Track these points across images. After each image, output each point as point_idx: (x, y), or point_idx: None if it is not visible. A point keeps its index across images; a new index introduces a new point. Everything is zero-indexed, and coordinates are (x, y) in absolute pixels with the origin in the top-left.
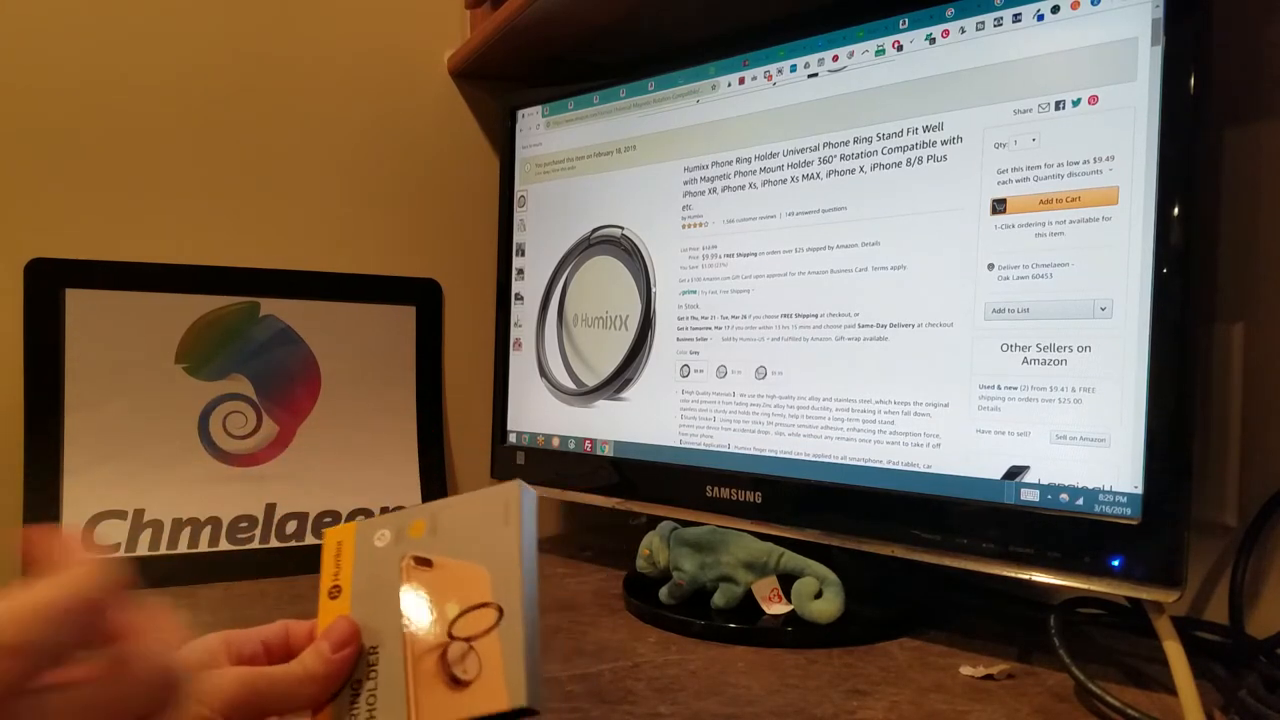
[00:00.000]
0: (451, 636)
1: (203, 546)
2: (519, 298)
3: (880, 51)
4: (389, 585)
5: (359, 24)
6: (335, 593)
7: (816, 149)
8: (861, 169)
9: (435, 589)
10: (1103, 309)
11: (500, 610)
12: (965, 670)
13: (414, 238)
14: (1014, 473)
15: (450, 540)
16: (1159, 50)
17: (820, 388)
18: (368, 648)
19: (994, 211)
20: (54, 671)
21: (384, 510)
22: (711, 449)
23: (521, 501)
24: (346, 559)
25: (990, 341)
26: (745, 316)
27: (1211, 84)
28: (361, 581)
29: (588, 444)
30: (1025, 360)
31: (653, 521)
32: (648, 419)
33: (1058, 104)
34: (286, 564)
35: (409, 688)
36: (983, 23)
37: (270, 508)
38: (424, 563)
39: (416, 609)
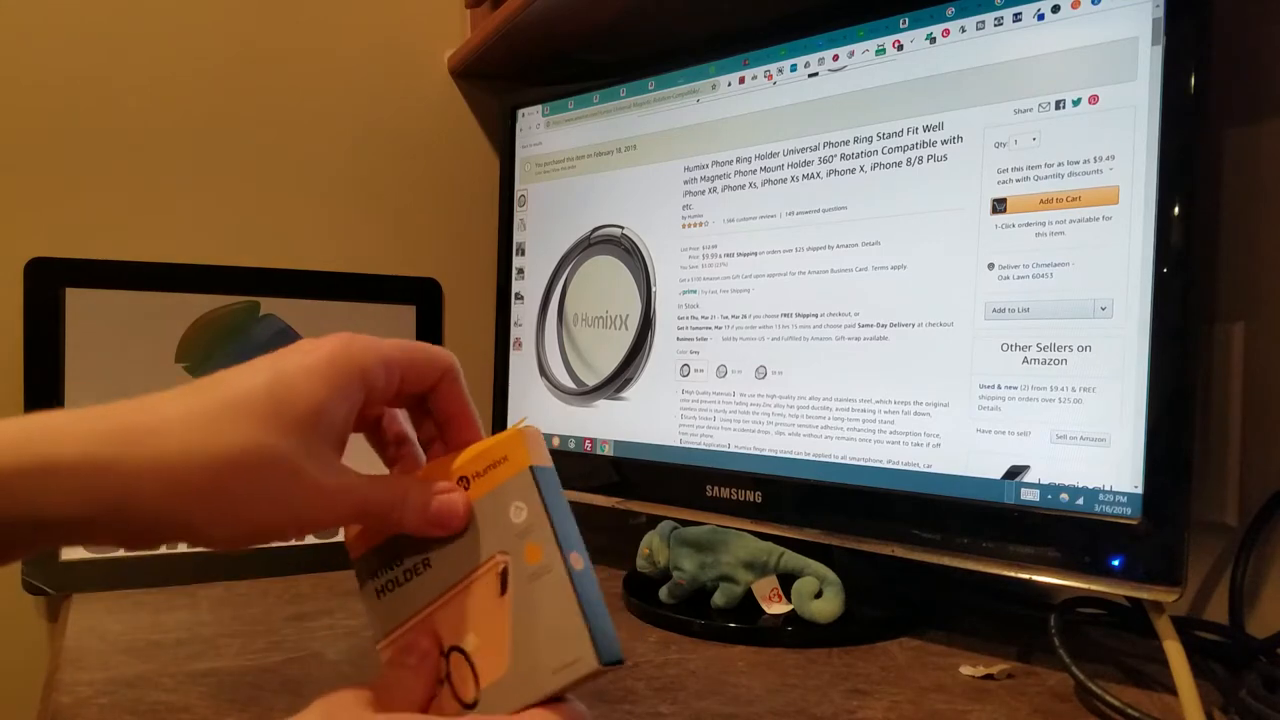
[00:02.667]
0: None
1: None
2: (519, 297)
3: (880, 51)
4: (470, 550)
5: (359, 23)
6: (464, 484)
7: (817, 148)
8: (862, 168)
9: (480, 606)
10: (1103, 309)
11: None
12: (965, 670)
13: (414, 238)
14: (1014, 472)
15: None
16: (1159, 50)
17: (820, 387)
18: (418, 562)
19: (994, 211)
20: None
21: None
22: (711, 449)
23: (536, 480)
24: (494, 477)
25: (990, 341)
26: (745, 316)
27: (1211, 84)
28: (480, 512)
29: (588, 443)
30: (1025, 360)
31: (653, 521)
32: (648, 418)
33: (1058, 103)
34: (287, 563)
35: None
36: (983, 22)
37: None
38: (504, 581)
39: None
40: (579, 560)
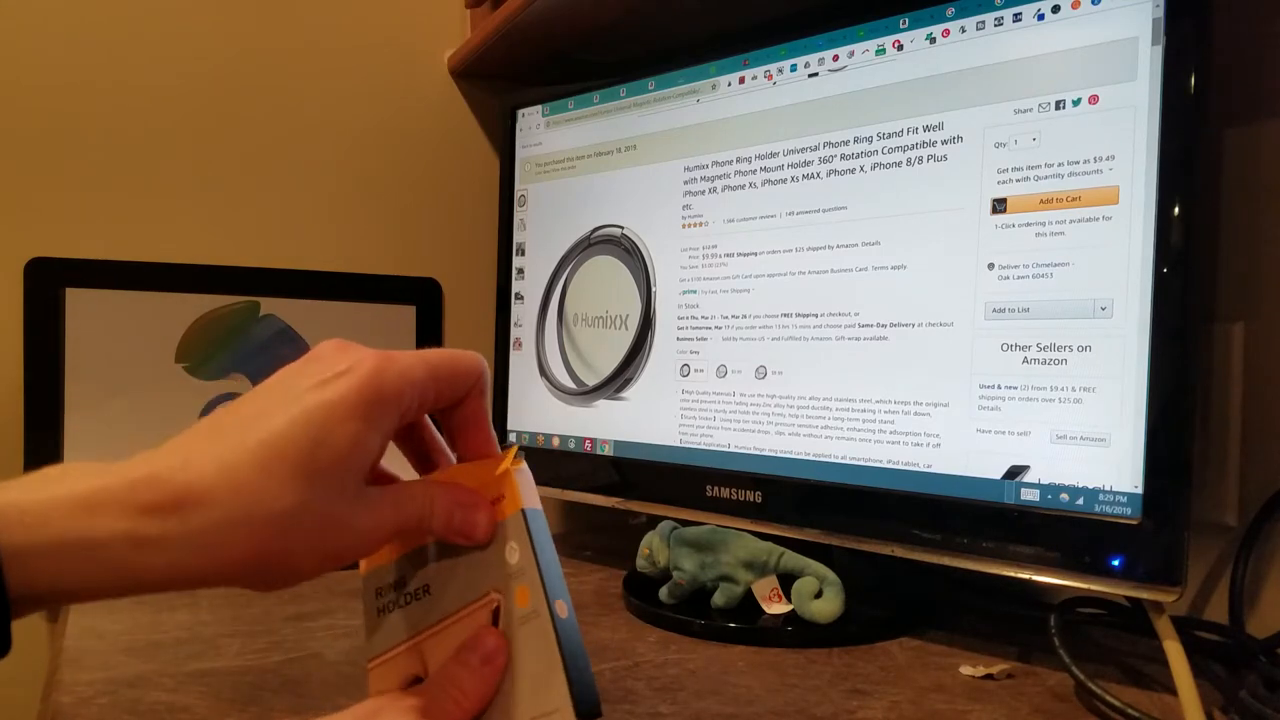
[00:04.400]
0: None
1: None
2: (519, 297)
3: (880, 51)
4: (468, 583)
5: (359, 23)
6: (499, 499)
7: (817, 148)
8: (862, 168)
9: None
10: (1103, 309)
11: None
12: (965, 670)
13: (414, 237)
14: (1014, 472)
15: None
16: (1159, 50)
17: (820, 387)
18: (420, 588)
19: (994, 211)
20: None
21: None
22: (711, 448)
23: (528, 527)
24: (494, 513)
25: (990, 341)
26: (745, 316)
27: (1211, 84)
28: (476, 550)
29: (588, 443)
30: (1025, 360)
31: (653, 521)
32: (648, 418)
33: (1058, 104)
34: None
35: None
36: (983, 22)
37: None
38: (495, 620)
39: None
40: (563, 608)
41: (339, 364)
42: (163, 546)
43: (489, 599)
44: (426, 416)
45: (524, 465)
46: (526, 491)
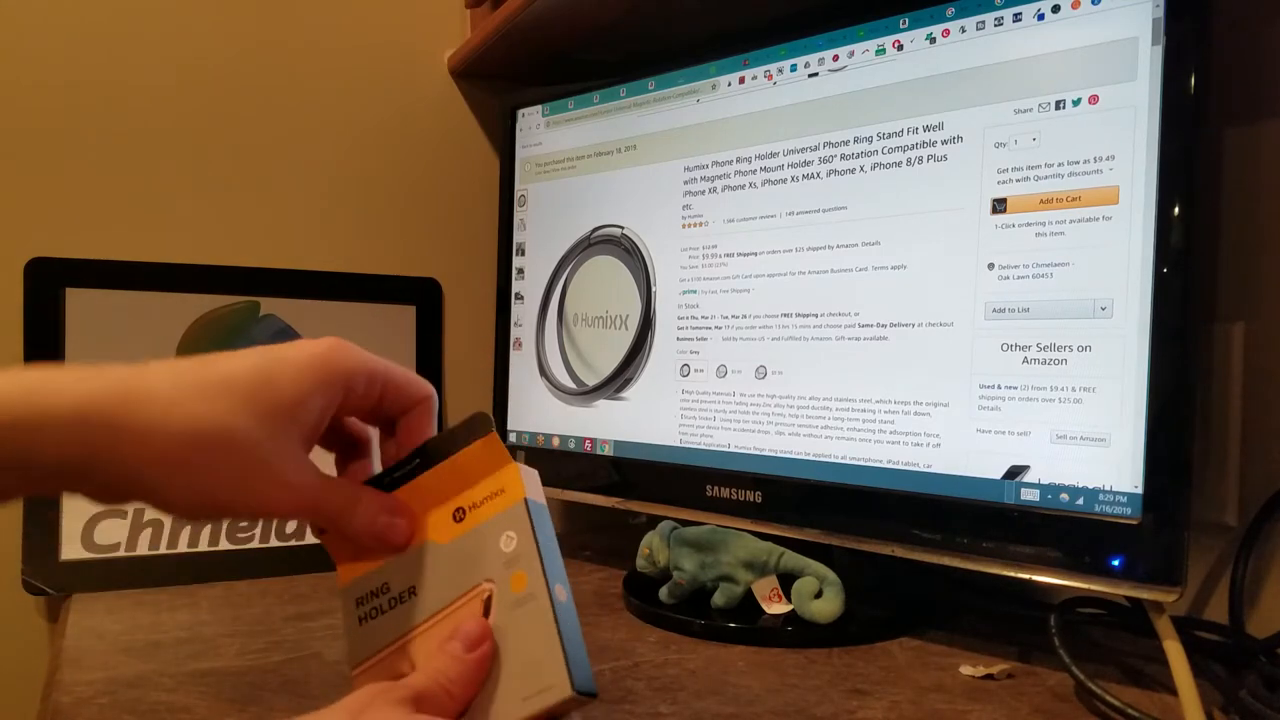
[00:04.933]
0: None
1: (203, 546)
2: (519, 297)
3: (880, 51)
4: (458, 578)
5: (359, 24)
6: (460, 515)
7: (817, 148)
8: (862, 168)
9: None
10: (1103, 309)
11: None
12: (965, 670)
13: (414, 238)
14: (1014, 472)
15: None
16: (1159, 50)
17: (820, 387)
18: (405, 590)
19: (994, 211)
20: None
21: None
22: (711, 448)
23: (530, 515)
24: (489, 508)
25: (990, 341)
26: (745, 316)
27: (1211, 84)
28: (472, 542)
29: (588, 443)
30: (1025, 360)
31: (653, 521)
32: (648, 418)
33: (1058, 104)
34: (286, 563)
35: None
36: (983, 22)
37: None
38: (487, 609)
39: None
40: (562, 593)
41: (301, 341)
42: (106, 429)
43: (480, 589)
44: (374, 434)
45: (531, 469)
46: (531, 485)
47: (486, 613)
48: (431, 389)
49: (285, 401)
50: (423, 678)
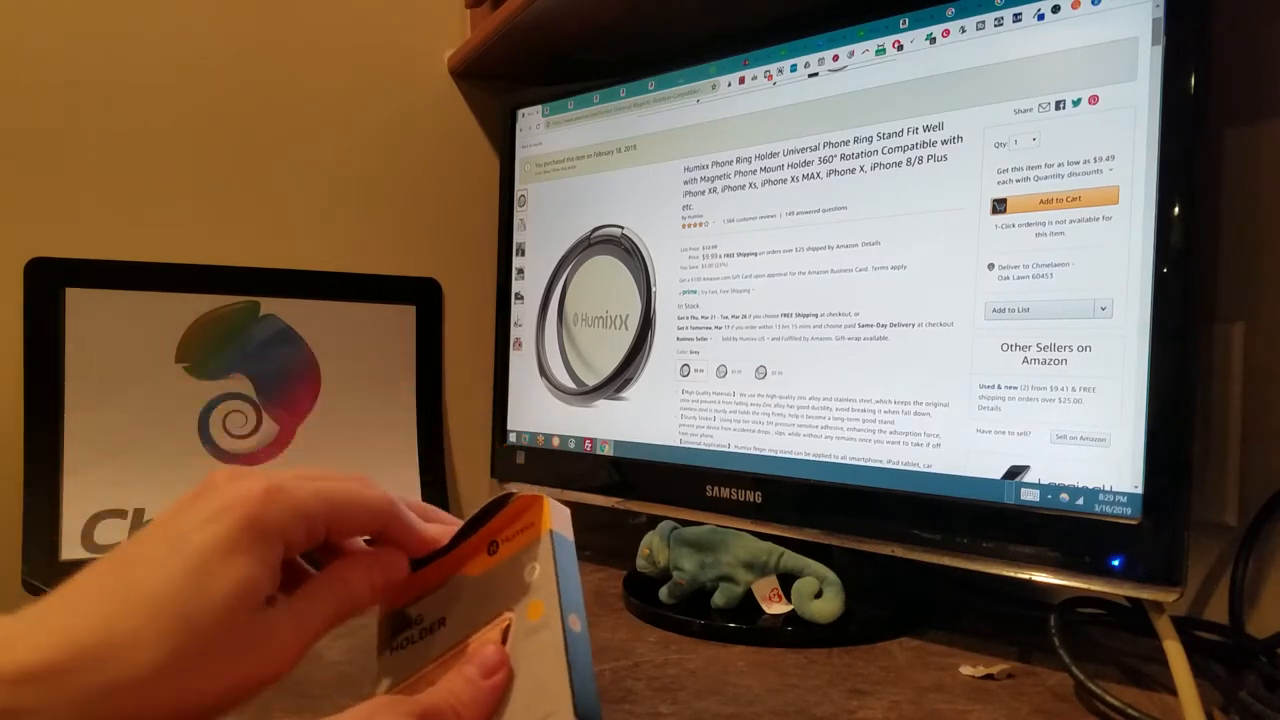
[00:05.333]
0: None
1: None
2: (519, 297)
3: (880, 51)
4: (484, 607)
5: (359, 23)
6: (493, 549)
7: (817, 148)
8: (862, 168)
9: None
10: (1103, 309)
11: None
12: (965, 670)
13: (414, 237)
14: (1014, 472)
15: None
16: (1159, 50)
17: (820, 387)
18: (435, 621)
19: (994, 211)
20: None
21: None
22: (711, 449)
23: (554, 551)
24: (520, 541)
25: (990, 341)
26: (745, 316)
27: (1211, 84)
28: (500, 573)
29: (588, 443)
30: (1025, 360)
31: (653, 521)
32: (648, 419)
33: (1058, 104)
34: None
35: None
36: (983, 22)
37: None
38: (504, 639)
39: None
40: (576, 622)
41: (225, 498)
42: (45, 714)
43: (502, 618)
44: (353, 541)
45: (562, 506)
46: (559, 519)
47: (504, 641)
48: (387, 502)
49: (224, 597)
50: (433, 695)
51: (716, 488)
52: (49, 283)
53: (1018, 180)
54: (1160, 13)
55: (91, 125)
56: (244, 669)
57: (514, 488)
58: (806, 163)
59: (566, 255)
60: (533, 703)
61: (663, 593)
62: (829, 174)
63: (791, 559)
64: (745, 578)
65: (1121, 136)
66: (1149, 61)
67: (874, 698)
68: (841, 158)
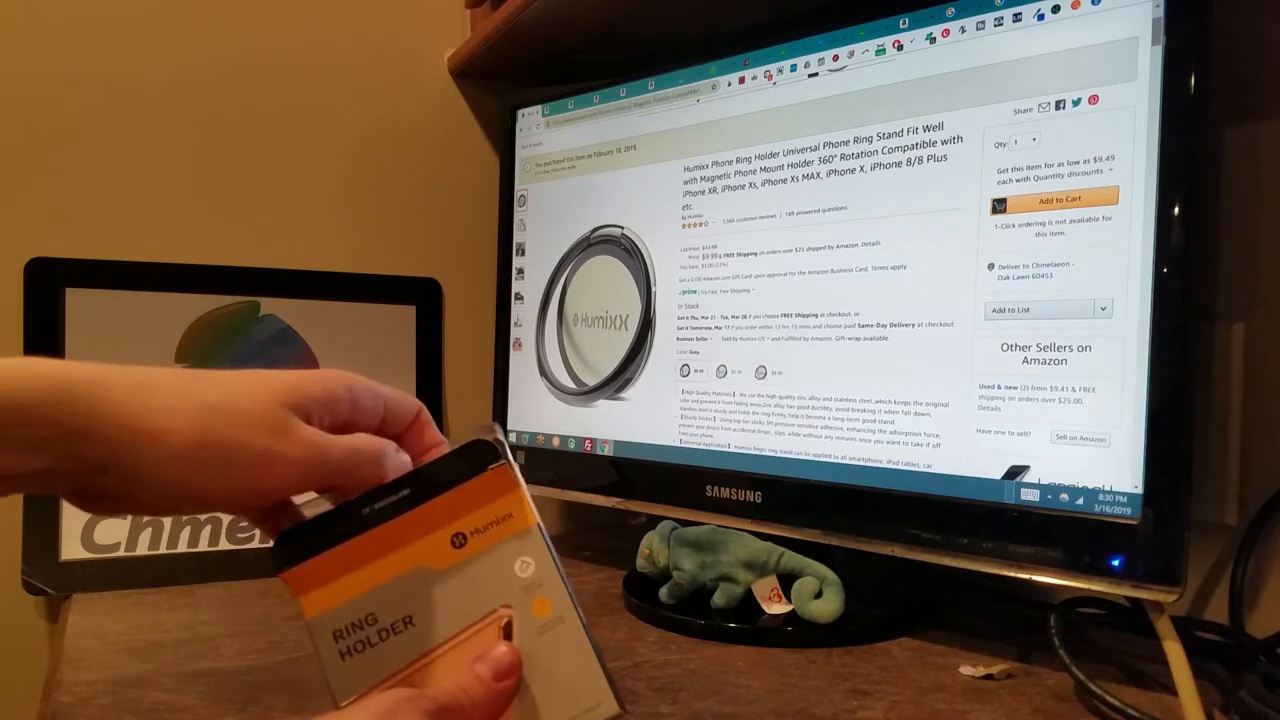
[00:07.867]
0: None
1: (203, 546)
2: (519, 297)
3: (880, 51)
4: (468, 605)
5: (359, 23)
6: (460, 541)
7: (817, 148)
8: (862, 169)
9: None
10: (1103, 309)
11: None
12: (965, 670)
13: (414, 237)
14: (1014, 472)
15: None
16: (1159, 50)
17: (820, 387)
18: (399, 619)
19: (994, 211)
20: None
21: None
22: (711, 449)
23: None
24: (496, 534)
25: (990, 341)
26: (745, 316)
27: (1211, 84)
28: (479, 568)
29: (588, 444)
30: (1025, 360)
31: (653, 521)
32: (648, 419)
33: (1058, 104)
34: None
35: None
36: (983, 22)
37: None
38: (508, 635)
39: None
40: (582, 615)
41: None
42: (85, 405)
43: (496, 615)
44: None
45: (520, 477)
46: (535, 509)
47: (508, 639)
48: (419, 403)
49: (294, 390)
50: (445, 692)
51: (716, 488)
52: (49, 283)
53: (1018, 180)
54: (1160, 13)
55: (92, 125)
56: (256, 449)
57: None
58: (806, 163)
59: (566, 255)
60: (562, 701)
61: (663, 593)
62: (829, 174)
63: (791, 559)
64: (745, 578)
65: (1121, 136)
66: (1149, 61)
67: (874, 698)
68: (841, 158)
